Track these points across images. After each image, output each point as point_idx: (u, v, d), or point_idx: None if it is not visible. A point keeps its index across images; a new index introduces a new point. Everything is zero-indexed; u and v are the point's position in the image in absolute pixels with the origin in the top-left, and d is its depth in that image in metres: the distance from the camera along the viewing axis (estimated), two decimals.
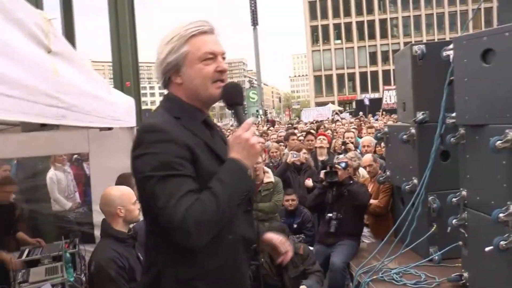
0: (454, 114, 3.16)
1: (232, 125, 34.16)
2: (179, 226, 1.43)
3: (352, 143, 8.16)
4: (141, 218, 3.03)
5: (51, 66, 1.72)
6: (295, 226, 5.65)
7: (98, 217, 3.99)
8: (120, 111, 3.31)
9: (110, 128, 3.42)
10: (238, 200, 1.56)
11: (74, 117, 2.03)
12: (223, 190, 1.51)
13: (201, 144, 1.61)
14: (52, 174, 6.24)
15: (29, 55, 1.55)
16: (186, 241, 1.46)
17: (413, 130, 3.86)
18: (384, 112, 26.69)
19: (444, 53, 3.35)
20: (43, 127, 1.73)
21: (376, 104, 35.66)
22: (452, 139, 3.11)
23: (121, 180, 3.92)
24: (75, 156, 7.22)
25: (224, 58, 1.71)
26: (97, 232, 4.15)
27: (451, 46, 3.19)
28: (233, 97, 1.69)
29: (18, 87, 1.43)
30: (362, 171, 6.09)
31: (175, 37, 1.64)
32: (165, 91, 1.77)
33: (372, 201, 4.84)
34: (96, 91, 2.54)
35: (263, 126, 21.73)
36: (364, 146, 6.71)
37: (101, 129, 3.43)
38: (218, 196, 1.49)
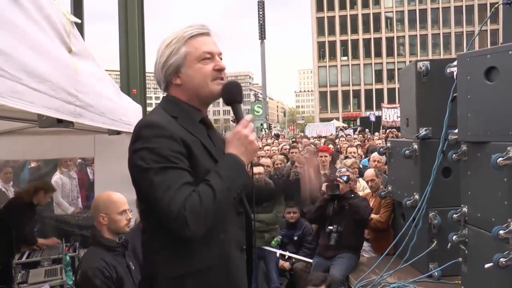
0: (456, 131, 3.18)
1: None
2: (177, 215, 1.46)
3: (354, 157, 8.16)
4: (128, 230, 2.98)
5: (72, 65, 1.77)
6: (295, 238, 5.65)
7: None
8: (130, 115, 3.35)
9: (118, 133, 3.44)
10: (235, 194, 1.60)
11: (89, 117, 2.07)
12: (220, 183, 1.54)
13: (197, 142, 1.63)
14: (57, 178, 6.32)
15: (55, 52, 1.60)
16: (184, 231, 1.47)
17: (415, 146, 3.88)
18: (386, 130, 26.62)
19: (448, 70, 3.39)
20: (59, 123, 1.76)
21: (379, 122, 35.67)
22: (454, 155, 3.13)
23: None
24: (79, 160, 7.30)
25: (221, 59, 1.74)
26: None
27: (455, 63, 3.23)
28: (233, 95, 1.70)
29: (43, 81, 1.48)
30: (363, 183, 6.12)
31: (174, 40, 1.69)
32: (165, 94, 1.80)
33: (373, 215, 4.84)
34: (109, 94, 2.58)
35: (266, 140, 21.68)
36: (374, 161, 6.66)
37: (110, 133, 3.45)
38: (215, 188, 1.52)
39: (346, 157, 8.13)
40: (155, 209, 1.54)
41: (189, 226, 1.46)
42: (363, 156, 9.98)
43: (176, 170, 1.52)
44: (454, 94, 3.26)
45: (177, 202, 1.47)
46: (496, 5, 3.29)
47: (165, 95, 1.79)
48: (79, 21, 1.91)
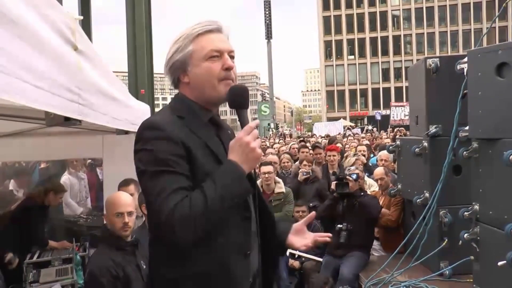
0: (467, 128, 3.15)
1: None
2: (164, 220, 1.44)
3: (364, 156, 8.14)
4: (125, 233, 2.92)
5: (76, 63, 1.77)
6: None
7: None
8: (137, 115, 3.36)
9: (126, 132, 3.45)
10: (230, 202, 1.52)
11: (92, 115, 2.07)
12: (213, 190, 1.48)
13: (202, 144, 1.60)
14: (65, 178, 6.36)
15: (57, 49, 1.60)
16: (171, 237, 1.46)
17: (425, 144, 3.86)
18: (393, 129, 26.54)
19: (458, 66, 3.36)
20: (66, 121, 1.77)
21: (387, 120, 35.56)
22: (464, 152, 3.10)
23: None
24: (89, 161, 7.34)
25: (232, 57, 1.68)
26: None
27: (465, 59, 3.20)
28: (238, 100, 1.64)
29: (44, 79, 1.48)
30: (369, 181, 6.11)
31: (181, 37, 1.67)
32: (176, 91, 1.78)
33: (384, 210, 4.82)
34: (115, 93, 2.57)
35: (274, 140, 21.64)
36: (381, 160, 6.64)
37: (118, 133, 3.47)
38: (208, 195, 1.47)
39: (355, 155, 8.13)
40: (149, 212, 1.57)
41: (176, 232, 1.43)
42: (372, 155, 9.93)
43: (171, 174, 1.49)
44: (465, 91, 3.23)
45: (166, 208, 1.44)
46: (508, 1, 3.26)
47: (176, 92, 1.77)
48: (81, 17, 1.92)
